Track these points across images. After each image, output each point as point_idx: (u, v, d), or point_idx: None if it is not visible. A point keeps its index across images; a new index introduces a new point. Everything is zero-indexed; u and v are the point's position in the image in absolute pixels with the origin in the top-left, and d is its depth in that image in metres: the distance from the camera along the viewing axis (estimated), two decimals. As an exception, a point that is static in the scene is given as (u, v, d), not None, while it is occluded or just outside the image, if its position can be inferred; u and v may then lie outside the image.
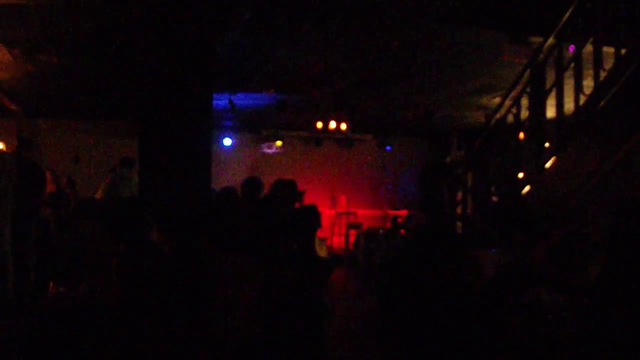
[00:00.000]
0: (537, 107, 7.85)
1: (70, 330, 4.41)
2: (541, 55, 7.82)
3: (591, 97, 6.97)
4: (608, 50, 6.89)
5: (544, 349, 4.47)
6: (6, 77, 12.28)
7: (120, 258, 4.85)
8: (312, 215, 7.75)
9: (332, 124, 16.70)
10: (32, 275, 9.06)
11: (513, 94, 8.47)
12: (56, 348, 4.44)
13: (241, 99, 14.02)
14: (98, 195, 13.02)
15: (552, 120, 7.80)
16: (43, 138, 17.48)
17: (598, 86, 6.86)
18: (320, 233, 7.57)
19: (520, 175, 8.49)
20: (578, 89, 7.12)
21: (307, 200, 10.74)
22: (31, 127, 17.08)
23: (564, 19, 7.24)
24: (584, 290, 4.72)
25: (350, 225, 17.12)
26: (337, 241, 17.71)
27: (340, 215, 18.40)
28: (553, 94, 7.59)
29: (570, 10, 7.15)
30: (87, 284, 4.88)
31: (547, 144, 7.87)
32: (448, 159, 18.38)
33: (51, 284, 5.69)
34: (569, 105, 7.33)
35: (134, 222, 5.13)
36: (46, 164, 13.57)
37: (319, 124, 16.96)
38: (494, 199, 9.12)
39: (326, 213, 17.40)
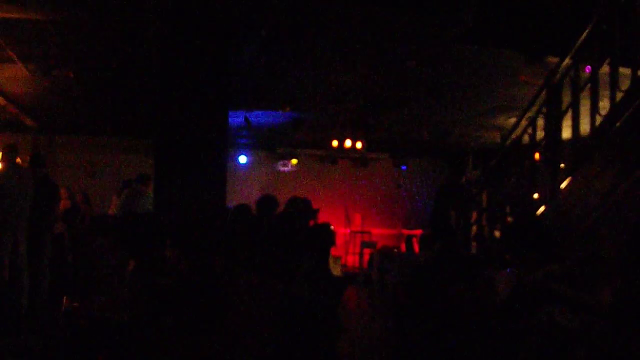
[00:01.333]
0: (553, 128, 7.82)
1: (84, 346, 4.41)
2: (557, 76, 7.80)
3: (607, 118, 6.94)
4: (624, 71, 6.86)
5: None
6: (22, 92, 12.36)
7: (134, 274, 4.86)
8: (326, 233, 7.73)
9: (348, 143, 16.70)
10: (46, 290, 9.11)
11: (529, 114, 8.44)
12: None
13: (257, 117, 14.05)
14: (112, 211, 13.08)
15: (567, 141, 7.78)
16: (59, 154, 17.58)
17: (614, 107, 6.83)
18: (334, 252, 7.54)
19: (536, 195, 8.45)
20: (594, 109, 7.09)
21: (322, 218, 10.72)
22: (47, 143, 17.16)
23: (581, 39, 7.23)
24: (598, 312, 4.69)
25: (364, 244, 17.09)
26: (352, 260, 17.68)
27: (355, 234, 18.38)
28: (569, 114, 7.56)
29: (587, 31, 7.14)
30: (101, 299, 4.89)
31: (562, 165, 7.83)
32: (463, 179, 18.33)
33: (65, 299, 5.70)
34: (585, 126, 7.30)
35: (148, 238, 5.14)
36: (62, 180, 13.66)
37: (335, 143, 16.96)
38: (509, 219, 9.08)
39: (341, 232, 17.40)
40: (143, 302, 4.57)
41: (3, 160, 8.96)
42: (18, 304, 8.54)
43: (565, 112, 7.71)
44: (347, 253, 18.06)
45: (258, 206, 8.05)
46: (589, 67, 7.37)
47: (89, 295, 5.30)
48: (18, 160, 9.49)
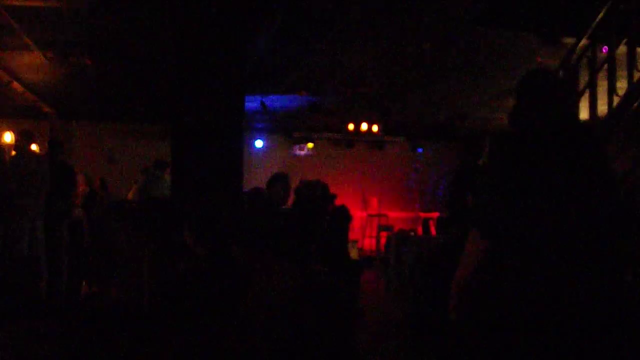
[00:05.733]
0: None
1: (103, 330, 4.44)
2: (574, 57, 7.77)
3: (625, 98, 6.91)
4: (642, 51, 6.84)
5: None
6: (40, 79, 12.40)
7: (152, 259, 4.88)
8: (343, 215, 7.73)
9: (364, 126, 16.68)
10: (64, 275, 9.18)
11: (546, 95, 8.40)
12: (89, 347, 4.47)
13: (273, 101, 14.04)
14: (130, 197, 13.12)
15: (585, 122, 7.74)
16: (76, 140, 17.64)
17: (632, 87, 6.80)
18: (351, 235, 7.54)
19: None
20: (611, 90, 7.06)
21: (338, 202, 10.73)
22: (65, 130, 17.22)
23: (597, 19, 7.19)
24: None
25: (381, 228, 17.07)
26: (369, 243, 17.67)
27: (372, 217, 18.36)
28: (586, 95, 7.52)
29: (603, 11, 7.10)
30: (120, 284, 4.92)
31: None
32: (480, 162, 18.21)
33: (84, 284, 5.74)
34: (602, 107, 7.26)
35: (166, 223, 5.16)
36: (79, 166, 13.71)
37: (351, 126, 16.94)
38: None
39: (357, 215, 17.37)
40: (161, 287, 4.59)
41: (18, 146, 9.02)
42: (37, 289, 8.61)
43: (583, 92, 7.67)
44: (364, 236, 18.05)
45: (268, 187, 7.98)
46: (606, 47, 7.33)
47: (108, 280, 5.34)
48: (33, 146, 9.54)
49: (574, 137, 3.34)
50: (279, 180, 7.65)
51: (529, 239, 3.19)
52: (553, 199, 3.18)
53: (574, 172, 3.22)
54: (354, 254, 13.42)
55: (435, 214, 17.67)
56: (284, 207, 7.70)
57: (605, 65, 7.21)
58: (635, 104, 6.64)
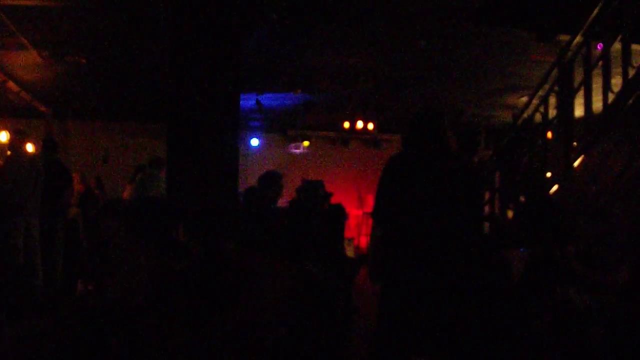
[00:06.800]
0: (565, 106, 7.79)
1: (98, 329, 4.44)
2: (569, 54, 7.77)
3: (620, 95, 6.92)
4: (636, 47, 6.84)
5: (573, 350, 4.44)
6: (35, 78, 12.40)
7: (148, 257, 4.87)
8: (339, 213, 7.73)
9: (359, 124, 16.67)
10: (59, 274, 9.19)
11: (541, 92, 8.41)
12: (84, 346, 4.47)
13: (268, 100, 14.04)
14: (126, 195, 13.12)
15: (580, 119, 7.75)
16: (72, 139, 17.64)
17: (626, 84, 6.80)
18: (347, 233, 7.55)
19: (548, 174, 8.43)
20: (606, 87, 7.07)
21: (334, 200, 10.72)
22: (60, 129, 17.21)
23: (592, 16, 7.19)
24: (614, 291, 4.68)
25: (377, 225, 17.06)
26: (365, 241, 17.68)
27: (368, 215, 18.36)
28: (581, 92, 7.53)
29: (598, 7, 7.10)
30: (115, 282, 4.91)
31: (575, 143, 7.81)
32: (475, 159, 18.24)
33: (79, 283, 5.73)
34: (597, 104, 7.27)
35: (162, 221, 5.16)
36: (75, 165, 13.70)
37: (346, 124, 16.94)
38: (522, 198, 9.07)
39: (353, 213, 17.38)
40: (156, 286, 4.59)
41: (13, 145, 9.03)
42: (32, 287, 8.62)
43: (578, 90, 7.68)
44: (360, 234, 18.08)
45: (259, 183, 7.97)
46: (601, 44, 7.33)
47: (103, 279, 5.32)
48: (28, 145, 9.55)
49: (443, 161, 4.88)
50: (271, 178, 7.66)
51: (405, 227, 4.77)
52: (422, 202, 4.76)
53: (439, 184, 4.76)
54: (349, 252, 13.42)
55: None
56: (276, 205, 7.71)
57: (600, 62, 7.22)
58: (630, 101, 6.65)
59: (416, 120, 5.11)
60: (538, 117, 8.58)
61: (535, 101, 8.65)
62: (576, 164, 7.39)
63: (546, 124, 8.41)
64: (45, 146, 9.75)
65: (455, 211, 4.73)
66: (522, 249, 5.55)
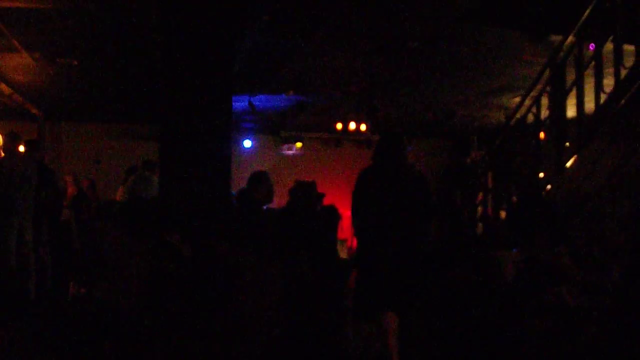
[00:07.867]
0: (558, 106, 7.80)
1: (91, 331, 4.43)
2: (561, 54, 7.77)
3: (612, 96, 6.93)
4: (628, 48, 6.84)
5: (566, 349, 4.44)
6: (27, 81, 12.38)
7: (140, 259, 4.87)
8: (332, 214, 7.75)
9: (352, 125, 16.66)
10: (49, 272, 9.20)
11: (533, 93, 8.41)
12: (77, 349, 4.46)
13: (261, 101, 14.04)
14: (118, 197, 13.12)
15: (572, 120, 7.75)
16: (64, 141, 17.63)
17: (619, 84, 6.81)
18: (340, 235, 7.60)
19: (541, 174, 8.44)
20: (598, 87, 7.07)
21: (327, 201, 10.73)
22: (53, 131, 17.19)
23: (584, 17, 7.20)
24: (606, 291, 4.69)
25: (370, 227, 17.05)
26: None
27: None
28: (573, 92, 7.54)
29: (589, 8, 7.11)
30: (108, 285, 4.90)
31: (567, 144, 7.81)
32: (468, 160, 18.23)
33: (72, 285, 5.73)
34: (590, 104, 7.27)
35: (154, 223, 5.15)
36: (68, 167, 13.69)
37: (339, 125, 16.95)
38: (514, 199, 9.08)
39: (346, 214, 17.36)
40: (149, 288, 4.58)
41: (6, 148, 9.02)
42: (25, 290, 8.61)
43: (570, 90, 7.69)
44: (353, 236, 18.07)
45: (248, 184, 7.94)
46: (593, 44, 7.34)
47: (96, 281, 5.32)
48: (21, 147, 9.54)
49: (399, 172, 6.54)
50: (257, 178, 7.66)
51: (371, 219, 6.45)
52: (382, 201, 6.41)
53: (393, 188, 6.43)
54: (343, 253, 13.43)
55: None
56: (270, 206, 7.71)
57: (592, 63, 7.23)
58: (622, 101, 6.66)
59: (381, 141, 6.84)
60: (530, 117, 8.59)
61: (527, 101, 8.65)
62: (569, 164, 7.39)
63: (538, 124, 8.42)
64: (28, 147, 9.76)
65: (405, 207, 6.38)
66: (514, 250, 5.56)
